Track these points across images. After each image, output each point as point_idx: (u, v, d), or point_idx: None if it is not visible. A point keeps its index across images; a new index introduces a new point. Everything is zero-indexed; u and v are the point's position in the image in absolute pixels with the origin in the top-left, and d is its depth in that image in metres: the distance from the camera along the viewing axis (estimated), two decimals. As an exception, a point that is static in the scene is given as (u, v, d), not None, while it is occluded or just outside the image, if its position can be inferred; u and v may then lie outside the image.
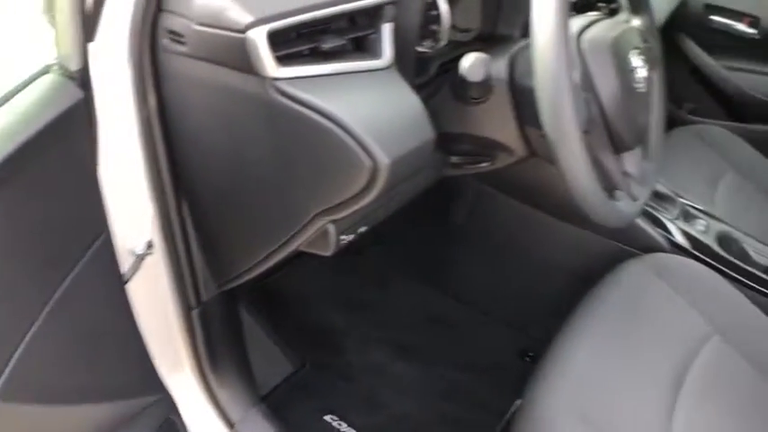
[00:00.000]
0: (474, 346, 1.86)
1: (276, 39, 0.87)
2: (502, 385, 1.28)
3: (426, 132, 0.99)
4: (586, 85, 1.05)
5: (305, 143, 0.91)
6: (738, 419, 1.27)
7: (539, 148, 1.13)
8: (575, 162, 0.96)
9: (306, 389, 1.66)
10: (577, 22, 1.14)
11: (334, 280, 1.96)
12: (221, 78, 0.92)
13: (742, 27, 2.80)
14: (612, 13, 1.70)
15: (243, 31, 0.85)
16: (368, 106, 0.92)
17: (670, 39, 2.89)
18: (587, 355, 1.24)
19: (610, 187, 1.14)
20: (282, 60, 0.88)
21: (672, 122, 2.53)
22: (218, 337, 1.25)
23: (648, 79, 1.19)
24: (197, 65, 0.93)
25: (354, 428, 1.58)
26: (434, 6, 1.19)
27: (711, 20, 2.84)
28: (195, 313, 1.17)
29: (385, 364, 1.77)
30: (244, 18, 0.86)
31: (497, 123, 1.14)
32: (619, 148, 1.14)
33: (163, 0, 0.93)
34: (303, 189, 0.96)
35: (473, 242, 1.92)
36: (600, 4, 1.70)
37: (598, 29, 1.12)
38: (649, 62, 1.24)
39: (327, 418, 1.59)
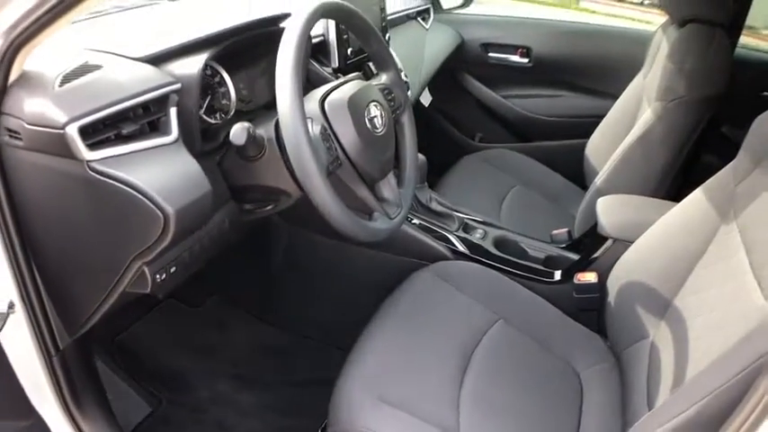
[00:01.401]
0: (303, 366, 2.09)
1: (87, 130, 1.11)
2: (329, 395, 1.47)
3: (203, 187, 1.24)
4: (329, 136, 1.32)
5: (116, 206, 1.15)
6: (520, 381, 1.51)
7: (303, 189, 1.35)
8: (320, 196, 1.22)
9: (164, 423, 1.82)
10: (325, 87, 1.41)
11: (179, 330, 2.13)
12: (50, 164, 1.14)
13: (516, 58, 3.17)
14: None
15: (62, 128, 1.08)
16: (158, 173, 1.17)
17: (453, 78, 3.22)
18: (382, 350, 1.47)
19: (367, 210, 1.41)
20: (93, 146, 1.12)
21: (466, 152, 2.86)
22: (78, 378, 1.42)
23: (389, 123, 1.47)
24: (32, 155, 1.14)
25: None
26: (224, 84, 1.46)
27: (489, 56, 3.19)
28: (56, 360, 1.35)
29: (230, 394, 1.96)
30: (61, 118, 1.08)
31: (273, 173, 1.38)
32: (368, 180, 1.42)
33: (2, 105, 1.14)
34: (119, 241, 1.20)
35: (292, 278, 2.14)
36: (368, 64, 2.00)
37: (339, 91, 1.39)
38: (393, 109, 1.53)
39: (185, 445, 1.77)
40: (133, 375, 1.88)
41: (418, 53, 2.60)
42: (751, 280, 1.20)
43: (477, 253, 1.93)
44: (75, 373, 1.40)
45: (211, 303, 2.23)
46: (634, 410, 1.43)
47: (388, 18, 2.26)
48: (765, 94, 2.55)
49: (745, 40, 2.64)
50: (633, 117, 2.42)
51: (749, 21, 2.48)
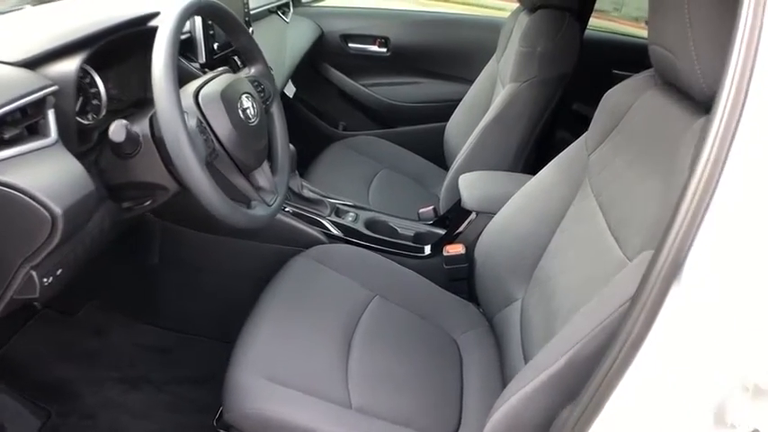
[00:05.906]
0: (189, 363, 2.07)
1: None
2: (219, 388, 1.47)
3: (87, 186, 1.24)
4: (205, 129, 1.35)
5: (1, 211, 1.13)
6: (402, 350, 1.58)
7: (183, 181, 1.37)
8: (199, 185, 1.24)
9: None
10: (197, 81, 1.43)
11: (58, 341, 2.07)
12: None
13: (374, 48, 3.26)
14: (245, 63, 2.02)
15: None
16: (42, 175, 1.17)
17: (315, 69, 3.28)
18: (268, 335, 1.49)
19: (246, 200, 1.44)
20: None
21: (330, 140, 2.93)
22: None
23: (261, 114, 1.50)
24: None
25: None
26: (95, 85, 1.45)
27: (348, 47, 3.26)
28: None
29: (118, 398, 1.92)
30: None
31: (150, 169, 1.38)
32: (244, 170, 1.45)
33: None
34: (6, 246, 1.18)
35: (169, 276, 2.11)
36: (233, 58, 2.03)
37: (211, 85, 1.42)
38: (263, 100, 1.57)
39: (81, 452, 1.73)
40: (17, 390, 1.83)
41: (280, 46, 2.63)
42: (609, 238, 1.29)
43: (350, 235, 2.00)
44: None
45: (87, 310, 2.18)
46: (512, 366, 1.51)
47: (251, 13, 2.27)
48: (616, 72, 2.70)
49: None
50: (488, 99, 2.54)
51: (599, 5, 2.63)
